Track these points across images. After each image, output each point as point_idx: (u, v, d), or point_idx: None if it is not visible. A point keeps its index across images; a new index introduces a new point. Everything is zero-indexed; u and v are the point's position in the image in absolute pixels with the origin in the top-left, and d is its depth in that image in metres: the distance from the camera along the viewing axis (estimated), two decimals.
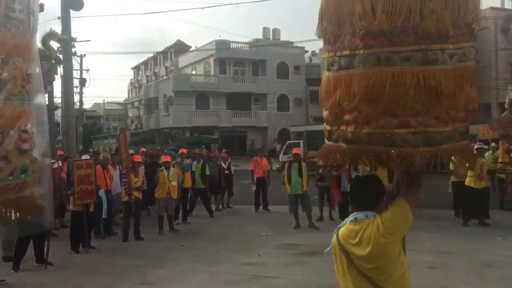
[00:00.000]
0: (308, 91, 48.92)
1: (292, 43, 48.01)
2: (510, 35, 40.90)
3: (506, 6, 44.35)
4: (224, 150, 17.51)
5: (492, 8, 42.62)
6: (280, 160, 28.16)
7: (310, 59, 54.74)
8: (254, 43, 46.84)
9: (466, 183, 10.98)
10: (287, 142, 32.05)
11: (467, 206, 10.85)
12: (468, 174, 10.98)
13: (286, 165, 11.38)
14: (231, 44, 45.09)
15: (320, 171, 12.02)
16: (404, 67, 2.52)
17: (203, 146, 32.99)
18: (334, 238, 2.77)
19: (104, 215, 10.08)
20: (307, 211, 10.90)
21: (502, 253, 8.13)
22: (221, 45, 43.97)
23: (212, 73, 45.35)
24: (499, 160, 13.10)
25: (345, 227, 2.71)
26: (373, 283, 2.56)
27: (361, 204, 2.74)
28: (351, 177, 10.42)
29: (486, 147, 12.36)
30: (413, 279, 6.81)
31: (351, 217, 2.72)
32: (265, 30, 50.85)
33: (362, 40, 2.60)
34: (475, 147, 11.25)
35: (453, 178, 11.97)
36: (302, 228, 10.74)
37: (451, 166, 11.94)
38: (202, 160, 13.18)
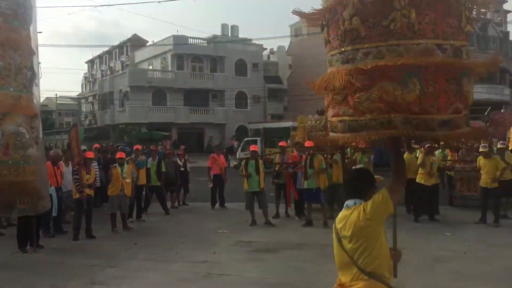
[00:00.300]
0: (266, 89, 49.17)
1: (250, 40, 48.08)
2: None
3: None
4: (182, 146, 17.29)
5: None
6: (237, 157, 28.16)
7: (268, 56, 54.98)
8: (213, 39, 46.59)
9: (417, 180, 11.29)
10: (245, 139, 32.09)
11: (418, 203, 11.16)
12: (419, 171, 11.30)
13: (243, 162, 11.34)
14: (189, 39, 44.68)
15: (276, 168, 12.07)
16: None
17: (160, 143, 32.59)
18: (334, 222, 3.21)
19: (54, 213, 9.72)
20: (263, 208, 10.91)
21: (451, 247, 8.40)
22: (179, 40, 43.45)
23: (170, 68, 44.74)
24: (449, 158, 13.57)
25: (341, 212, 3.18)
26: (353, 260, 2.99)
27: (352, 192, 3.18)
28: (307, 174, 10.52)
29: (436, 145, 12.73)
30: None
31: (345, 207, 3.17)
32: (224, 26, 50.65)
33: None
34: (426, 146, 11.60)
35: None
36: (258, 225, 10.73)
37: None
38: (157, 157, 12.96)
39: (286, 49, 54.78)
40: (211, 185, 13.68)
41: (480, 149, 10.77)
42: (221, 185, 13.59)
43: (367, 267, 2.99)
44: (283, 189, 11.97)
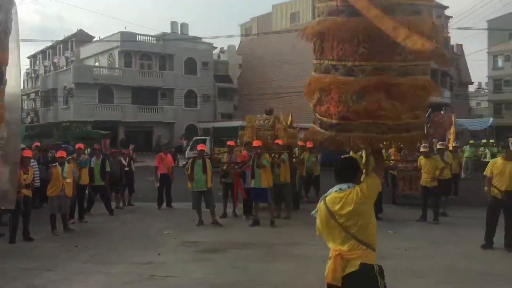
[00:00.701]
0: (216, 88, 48.95)
1: (200, 38, 47.72)
2: None
3: None
4: (132, 146, 16.85)
5: None
6: (186, 156, 27.82)
7: (219, 55, 54.78)
8: (162, 37, 45.86)
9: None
10: (194, 138, 31.77)
11: None
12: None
13: (190, 161, 11.19)
14: (138, 36, 43.75)
15: (224, 168, 12.00)
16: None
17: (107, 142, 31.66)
18: (321, 204, 3.68)
19: None
20: (211, 207, 10.80)
21: (394, 245, 8.59)
22: (127, 37, 42.47)
23: (117, 65, 43.61)
24: (392, 157, 13.97)
25: (331, 195, 3.65)
26: (351, 234, 3.53)
27: (344, 177, 3.70)
28: (254, 173, 10.49)
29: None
30: (310, 273, 7.01)
31: (336, 187, 3.66)
32: (173, 24, 50.01)
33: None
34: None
35: None
36: (205, 225, 10.61)
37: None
38: (101, 156, 12.56)
39: (236, 49, 54.78)
40: (158, 184, 13.44)
41: (421, 150, 11.13)
42: (168, 185, 13.37)
43: (364, 239, 3.55)
44: (230, 189, 11.90)
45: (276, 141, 11.66)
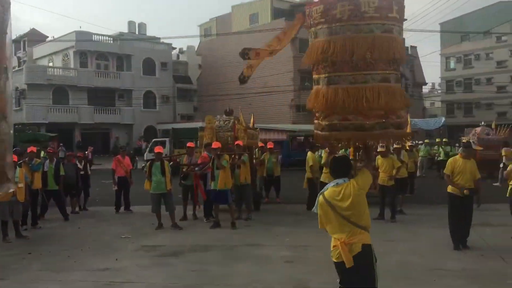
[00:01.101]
0: (175, 88, 48.44)
1: (159, 39, 47.09)
2: None
3: None
4: (90, 148, 16.40)
5: None
6: (145, 158, 27.37)
7: (178, 56, 54.27)
8: (119, 37, 44.98)
9: (321, 179, 11.65)
10: (153, 140, 31.32)
11: None
12: (323, 171, 11.67)
13: (148, 163, 10.99)
14: (93, 36, 42.70)
15: (184, 170, 11.85)
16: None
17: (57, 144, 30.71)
18: (321, 198, 4.25)
19: None
20: (170, 210, 10.64)
21: None
22: (82, 36, 41.35)
23: (72, 66, 42.44)
24: (350, 157, 14.16)
25: (329, 189, 4.23)
26: (350, 221, 4.12)
27: (340, 173, 4.28)
28: (214, 175, 10.41)
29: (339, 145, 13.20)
30: (271, 274, 7.00)
31: (333, 183, 4.26)
32: (131, 24, 49.19)
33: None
34: (329, 145, 12.00)
35: (308, 175, 12.75)
36: (164, 228, 10.45)
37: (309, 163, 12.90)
38: (55, 159, 12.15)
39: (195, 49, 54.42)
40: (116, 188, 13.14)
41: (378, 149, 11.34)
42: (126, 188, 13.10)
43: (362, 224, 4.16)
44: (190, 191, 11.77)
45: (236, 142, 11.62)
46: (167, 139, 29.37)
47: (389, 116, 4.47)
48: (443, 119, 45.55)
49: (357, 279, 4.23)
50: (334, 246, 4.29)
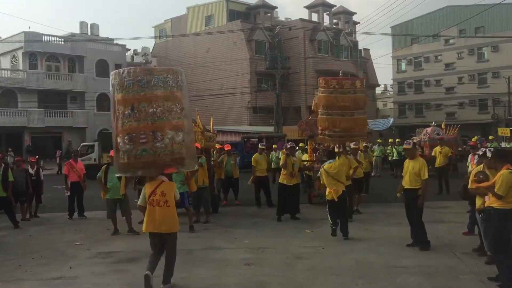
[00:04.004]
0: None
1: (112, 40, 46.10)
2: (317, 45, 45.37)
3: (313, 19, 49.21)
4: (36, 157, 15.78)
5: (301, 20, 46.90)
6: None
7: (132, 57, 53.32)
8: (70, 38, 43.67)
9: (280, 180, 11.71)
10: (82, 144, 30.58)
11: (281, 202, 11.55)
12: (282, 172, 11.73)
13: (103, 167, 10.70)
14: (43, 37, 41.23)
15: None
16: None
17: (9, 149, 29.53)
18: (322, 170, 9.45)
19: None
20: (127, 215, 10.39)
21: (310, 244, 8.82)
22: (31, 37, 39.84)
23: (21, 67, 40.84)
24: (307, 158, 14.33)
25: (326, 165, 9.41)
26: (334, 179, 9.22)
27: (331, 157, 9.73)
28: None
29: (296, 147, 13.37)
30: (231, 277, 6.93)
31: (328, 162, 9.50)
32: (82, 24, 47.92)
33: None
34: (288, 146, 12.09)
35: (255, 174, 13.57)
36: (121, 234, 10.20)
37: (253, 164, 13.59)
38: (3, 165, 11.63)
39: (150, 51, 53.64)
40: (69, 193, 12.73)
41: (335, 150, 11.51)
42: (79, 193, 12.72)
43: (341, 179, 9.27)
44: None
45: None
46: (95, 143, 28.59)
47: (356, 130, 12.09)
48: (392, 120, 46.91)
49: (339, 207, 9.22)
50: (328, 192, 9.28)
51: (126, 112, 6.55)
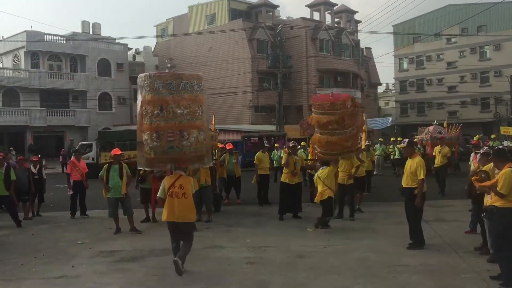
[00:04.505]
0: (132, 90, 47.52)
1: (114, 39, 46.14)
2: (318, 44, 45.32)
3: (315, 18, 49.16)
4: (38, 155, 15.82)
5: (303, 19, 46.86)
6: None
7: (134, 57, 53.34)
8: (72, 37, 43.73)
9: (282, 179, 11.71)
10: (80, 143, 30.62)
11: (283, 201, 11.55)
12: (284, 171, 11.72)
13: (105, 166, 10.71)
14: (45, 36, 41.29)
15: (141, 173, 11.61)
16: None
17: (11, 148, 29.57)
18: (315, 176, 10.50)
19: None
20: (128, 214, 10.41)
21: (312, 243, 8.81)
22: (33, 36, 39.91)
23: (23, 66, 40.92)
24: (309, 157, 14.32)
25: (320, 170, 10.31)
26: (324, 184, 10.08)
27: (324, 165, 10.46)
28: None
29: (298, 146, 13.37)
30: (232, 276, 6.94)
31: (321, 168, 10.40)
32: (84, 23, 47.98)
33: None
34: (290, 145, 12.08)
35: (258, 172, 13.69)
36: (123, 232, 10.21)
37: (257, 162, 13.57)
38: (6, 164, 11.64)
39: (152, 50, 53.66)
40: (71, 192, 12.74)
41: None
42: (82, 192, 12.73)
43: (331, 186, 10.15)
44: (149, 194, 11.56)
45: None
46: (93, 142, 28.60)
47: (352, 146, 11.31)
48: (390, 118, 46.87)
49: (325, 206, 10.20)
50: (320, 192, 10.06)
51: (155, 111, 7.19)
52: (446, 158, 15.48)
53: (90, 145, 27.91)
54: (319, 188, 10.19)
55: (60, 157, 31.81)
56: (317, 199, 10.20)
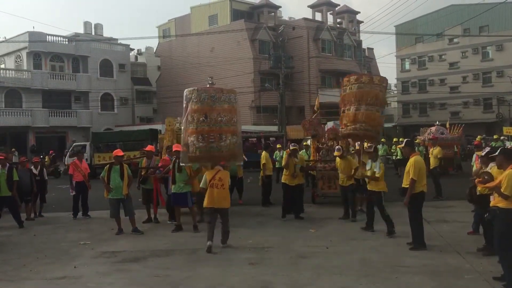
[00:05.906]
0: (134, 90, 47.66)
1: (116, 40, 46.20)
2: (320, 44, 45.27)
3: (317, 18, 49.13)
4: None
5: (305, 19, 46.83)
6: (65, 163, 26.63)
7: (136, 57, 53.41)
8: (74, 38, 43.81)
9: (282, 180, 11.70)
10: (74, 144, 30.55)
11: (285, 202, 11.55)
12: (284, 172, 11.73)
13: (106, 167, 10.71)
14: (48, 37, 41.38)
15: (142, 173, 11.63)
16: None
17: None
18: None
19: None
20: (130, 215, 10.40)
21: (314, 243, 8.80)
22: (36, 37, 40.00)
23: (25, 67, 41.01)
24: (311, 158, 14.31)
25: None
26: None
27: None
28: (175, 178, 10.24)
29: (298, 148, 13.36)
30: (234, 277, 6.93)
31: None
32: (86, 24, 48.07)
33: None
34: (290, 147, 12.05)
35: (262, 173, 13.78)
36: (125, 233, 10.21)
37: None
38: (8, 165, 11.66)
39: (154, 50, 53.69)
40: (74, 193, 12.75)
41: (335, 152, 11.54)
42: (84, 193, 12.74)
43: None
44: (151, 195, 11.55)
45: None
46: (87, 143, 28.59)
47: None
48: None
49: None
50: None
51: (200, 118, 8.87)
52: (438, 160, 15.03)
53: (84, 146, 27.92)
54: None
55: (64, 158, 31.87)
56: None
